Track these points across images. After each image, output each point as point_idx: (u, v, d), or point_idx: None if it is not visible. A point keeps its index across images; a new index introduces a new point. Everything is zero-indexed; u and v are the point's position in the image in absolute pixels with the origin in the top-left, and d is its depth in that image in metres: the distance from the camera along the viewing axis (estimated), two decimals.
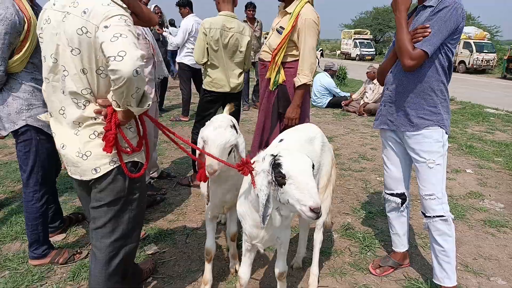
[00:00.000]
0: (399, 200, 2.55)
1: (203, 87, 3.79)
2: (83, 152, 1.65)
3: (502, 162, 5.16)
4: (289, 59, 2.93)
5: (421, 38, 2.10)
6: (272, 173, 1.52)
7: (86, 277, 2.51)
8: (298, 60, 2.90)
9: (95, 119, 1.65)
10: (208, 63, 3.65)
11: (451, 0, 2.06)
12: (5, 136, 2.46)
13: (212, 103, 3.79)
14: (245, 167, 1.70)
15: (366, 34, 35.81)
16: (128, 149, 1.71)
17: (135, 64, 1.41)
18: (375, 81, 8.20)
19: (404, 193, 2.54)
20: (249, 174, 1.70)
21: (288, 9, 2.82)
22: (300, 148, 2.08)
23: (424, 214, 2.35)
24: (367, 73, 8.39)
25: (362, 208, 3.65)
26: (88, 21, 1.51)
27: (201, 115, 3.79)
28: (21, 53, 2.28)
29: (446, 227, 2.26)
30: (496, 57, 22.09)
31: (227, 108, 3.00)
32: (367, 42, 33.57)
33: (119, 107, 1.57)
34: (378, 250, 2.93)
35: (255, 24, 7.53)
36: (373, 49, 33.17)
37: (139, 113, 1.63)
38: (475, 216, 3.54)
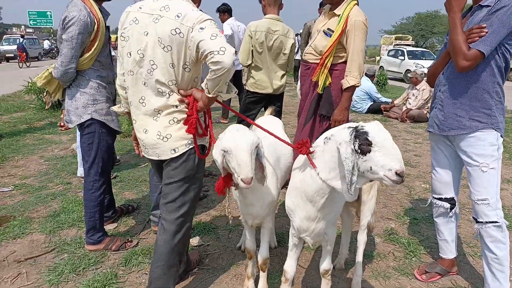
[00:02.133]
0: (448, 205, 2.49)
1: (246, 88, 3.89)
2: (164, 135, 1.92)
3: None
4: (337, 61, 2.94)
5: (477, 38, 2.05)
6: (356, 141, 1.55)
7: (136, 264, 2.66)
8: (344, 62, 2.90)
9: (177, 107, 1.91)
10: (252, 65, 3.75)
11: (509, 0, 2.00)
12: (71, 128, 2.66)
13: (254, 104, 3.88)
14: (304, 146, 1.77)
15: (408, 40, 34.74)
16: (200, 132, 1.99)
17: (233, 57, 1.72)
18: (419, 86, 7.99)
19: (453, 197, 2.49)
20: (305, 158, 1.76)
21: (337, 11, 2.82)
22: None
23: (476, 219, 2.27)
24: (410, 78, 8.19)
25: (406, 214, 3.58)
26: (182, 23, 1.76)
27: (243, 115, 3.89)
28: (90, 52, 2.47)
29: (499, 233, 2.18)
30: None
31: (269, 110, 3.07)
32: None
33: (209, 93, 1.84)
34: (423, 256, 2.87)
35: None
36: None
37: (226, 98, 1.96)
38: None
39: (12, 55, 25.23)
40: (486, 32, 2.03)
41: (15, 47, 25.55)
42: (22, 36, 25.41)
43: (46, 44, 30.48)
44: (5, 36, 30.36)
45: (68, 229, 3.14)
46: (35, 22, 21.60)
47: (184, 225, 2.08)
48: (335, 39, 2.75)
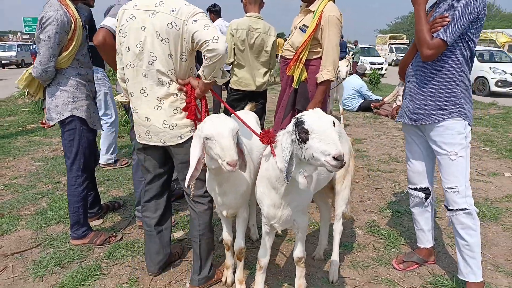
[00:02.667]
0: (422, 195, 2.55)
1: (230, 85, 3.95)
2: (170, 123, 2.09)
3: None
4: (312, 56, 3.00)
5: (440, 27, 2.10)
6: (295, 131, 1.62)
7: (120, 257, 2.72)
8: (320, 57, 2.96)
9: (177, 95, 2.09)
10: (235, 62, 3.80)
11: None
12: (52, 125, 2.71)
13: (238, 101, 3.93)
14: (266, 136, 1.86)
15: (402, 39, 34.88)
16: (200, 117, 2.16)
17: (225, 45, 1.91)
18: None
19: (428, 187, 2.54)
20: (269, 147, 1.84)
21: (312, 8, 2.88)
22: None
23: (447, 207, 2.32)
24: (399, 74, 8.23)
25: (388, 207, 3.64)
26: (176, 17, 1.94)
27: (228, 113, 3.95)
28: (68, 51, 2.53)
29: (470, 221, 2.22)
30: None
31: (248, 106, 3.12)
32: (403, 47, 32.62)
33: (206, 79, 2.02)
34: (403, 247, 2.92)
35: None
36: None
37: (221, 83, 2.16)
38: (511, 219, 3.42)
39: (8, 61, 25.30)
40: (448, 22, 2.08)
41: (10, 53, 25.64)
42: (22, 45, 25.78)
43: None
44: (0, 43, 30.40)
45: (55, 225, 3.19)
46: (30, 29, 21.66)
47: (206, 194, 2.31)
48: (309, 34, 2.80)
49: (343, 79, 7.16)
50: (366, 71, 10.50)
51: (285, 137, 1.67)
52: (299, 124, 1.60)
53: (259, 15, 3.76)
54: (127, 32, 2.03)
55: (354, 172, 2.57)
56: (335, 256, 2.49)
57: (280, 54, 3.21)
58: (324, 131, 1.55)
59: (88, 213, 3.09)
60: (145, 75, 2.05)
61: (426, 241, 2.64)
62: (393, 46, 32.37)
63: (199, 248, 2.30)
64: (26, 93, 2.72)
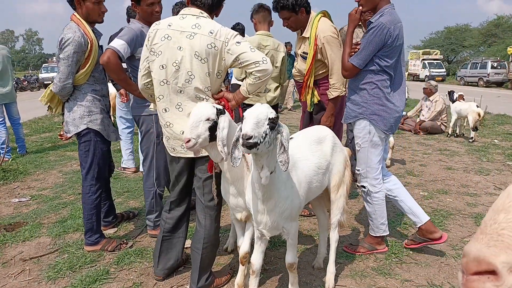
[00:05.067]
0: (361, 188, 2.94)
1: None
2: None
3: None
4: (321, 77, 3.16)
5: (353, 53, 2.61)
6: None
7: (128, 263, 2.87)
8: (327, 76, 3.12)
9: None
10: (246, 78, 3.96)
11: (379, 21, 2.49)
12: (70, 137, 2.95)
13: None
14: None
15: (436, 54, 34.16)
16: None
17: (271, 65, 2.12)
18: (432, 98, 7.91)
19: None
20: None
21: (305, 34, 3.05)
22: (308, 146, 2.26)
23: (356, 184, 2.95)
24: (424, 89, 8.12)
25: (396, 219, 3.61)
26: (216, 39, 2.10)
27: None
28: (85, 68, 2.78)
29: (367, 197, 2.85)
30: None
31: None
32: (436, 62, 31.98)
33: (249, 94, 2.22)
34: (405, 257, 2.90)
35: None
36: (444, 70, 31.50)
37: (262, 96, 2.37)
38: None
39: (50, 81, 26.95)
40: (358, 49, 2.58)
41: (52, 74, 27.38)
42: None
43: None
44: (44, 64, 32.57)
45: (72, 233, 3.41)
46: None
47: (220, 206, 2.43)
48: (310, 62, 2.99)
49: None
50: None
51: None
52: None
53: (269, 33, 3.92)
54: (161, 51, 2.15)
55: (350, 182, 2.62)
56: (331, 264, 2.52)
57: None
58: (248, 117, 1.72)
59: (103, 222, 3.29)
60: (180, 92, 2.18)
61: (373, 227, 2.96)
62: (426, 62, 31.73)
63: (199, 260, 2.36)
64: (48, 108, 2.99)
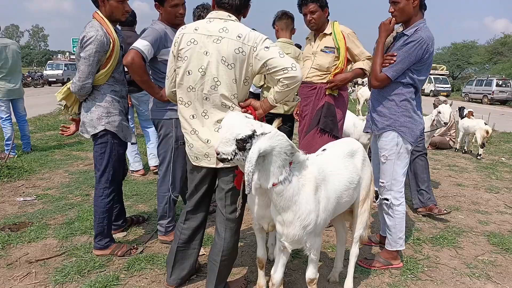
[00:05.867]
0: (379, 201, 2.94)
1: None
2: None
3: None
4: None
5: (388, 64, 2.58)
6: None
7: (139, 269, 2.79)
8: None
9: None
10: (265, 86, 3.92)
11: (418, 35, 2.48)
12: (71, 134, 2.92)
13: (268, 123, 4.03)
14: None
15: (442, 69, 34.14)
16: None
17: (301, 72, 2.01)
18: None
19: (376, 190, 2.89)
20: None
21: (327, 31, 3.12)
22: (341, 159, 2.21)
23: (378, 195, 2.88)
24: (434, 104, 8.08)
25: (410, 234, 3.54)
26: (244, 43, 1.99)
27: None
28: (105, 69, 2.71)
29: (389, 209, 2.82)
30: None
31: (275, 123, 3.21)
32: (442, 78, 31.78)
33: (276, 103, 2.13)
34: (420, 274, 2.83)
35: None
36: (449, 85, 31.39)
37: (291, 105, 2.25)
38: None
39: (55, 79, 27.06)
40: (394, 61, 2.55)
41: (57, 72, 27.48)
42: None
43: None
44: (48, 61, 32.60)
45: (80, 236, 3.33)
46: None
47: (241, 217, 2.32)
48: (344, 51, 3.06)
49: (445, 123, 6.08)
50: None
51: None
52: None
53: (290, 41, 3.89)
54: (187, 56, 2.06)
55: (374, 196, 2.57)
56: (349, 279, 2.46)
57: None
58: (221, 129, 1.89)
59: (113, 225, 3.22)
60: (206, 99, 2.08)
61: (387, 244, 2.90)
62: (432, 77, 31.51)
63: (217, 273, 2.28)
64: (63, 107, 2.93)
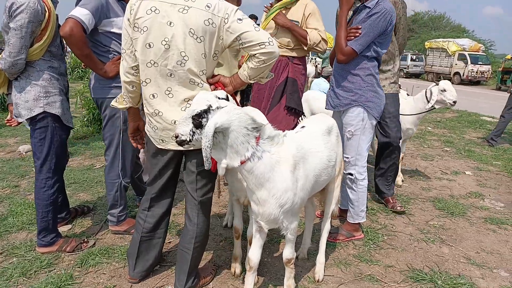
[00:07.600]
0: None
1: None
2: None
3: (500, 165, 5.26)
4: (297, 54, 3.04)
5: (353, 37, 2.53)
6: None
7: (94, 264, 2.54)
8: (305, 57, 3.00)
9: None
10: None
11: (381, 7, 2.47)
12: (21, 123, 2.50)
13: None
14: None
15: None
16: None
17: (277, 47, 1.89)
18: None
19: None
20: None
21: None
22: (319, 137, 2.16)
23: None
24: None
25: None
26: (214, 14, 1.80)
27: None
28: (41, 42, 2.33)
29: (353, 184, 2.85)
30: (490, 69, 22.25)
31: (239, 97, 3.12)
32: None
33: (250, 80, 1.97)
34: (381, 243, 2.97)
35: None
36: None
37: (264, 82, 2.07)
38: (476, 214, 3.60)
39: None
40: (359, 34, 2.51)
41: None
42: None
43: None
44: None
45: (17, 233, 2.93)
46: None
47: (211, 200, 2.21)
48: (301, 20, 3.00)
49: (454, 102, 6.09)
50: (330, 74, 10.71)
51: None
52: None
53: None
54: (147, 26, 1.82)
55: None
56: (321, 254, 2.48)
57: None
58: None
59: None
60: (171, 75, 1.88)
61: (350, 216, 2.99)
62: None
63: (189, 261, 2.15)
64: None
